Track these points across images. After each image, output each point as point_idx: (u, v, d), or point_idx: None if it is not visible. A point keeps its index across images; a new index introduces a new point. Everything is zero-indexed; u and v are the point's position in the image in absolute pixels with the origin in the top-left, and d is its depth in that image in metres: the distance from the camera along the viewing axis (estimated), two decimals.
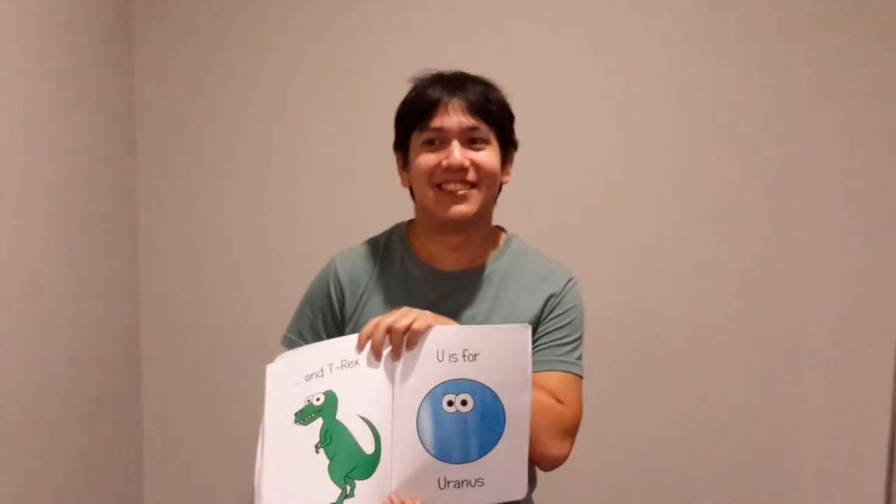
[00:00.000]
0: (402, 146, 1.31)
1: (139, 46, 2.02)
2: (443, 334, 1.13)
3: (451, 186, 1.23)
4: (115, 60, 1.95)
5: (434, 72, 1.30)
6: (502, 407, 1.13)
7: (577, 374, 1.29)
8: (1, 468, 1.51)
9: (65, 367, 1.74)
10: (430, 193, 1.25)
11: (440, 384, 1.13)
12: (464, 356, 1.13)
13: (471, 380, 1.13)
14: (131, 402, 2.05)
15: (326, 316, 1.33)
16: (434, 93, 1.24)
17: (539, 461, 1.24)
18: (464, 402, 1.13)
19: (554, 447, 1.22)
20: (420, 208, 1.32)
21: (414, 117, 1.26)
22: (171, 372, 2.08)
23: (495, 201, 1.32)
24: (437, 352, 1.13)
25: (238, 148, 2.03)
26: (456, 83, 1.26)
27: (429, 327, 1.12)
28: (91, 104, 1.84)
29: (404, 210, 1.37)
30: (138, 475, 2.09)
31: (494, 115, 1.26)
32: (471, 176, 1.23)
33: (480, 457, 1.14)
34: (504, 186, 1.33)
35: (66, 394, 1.74)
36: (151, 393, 2.09)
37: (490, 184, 1.26)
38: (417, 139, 1.26)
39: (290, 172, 2.03)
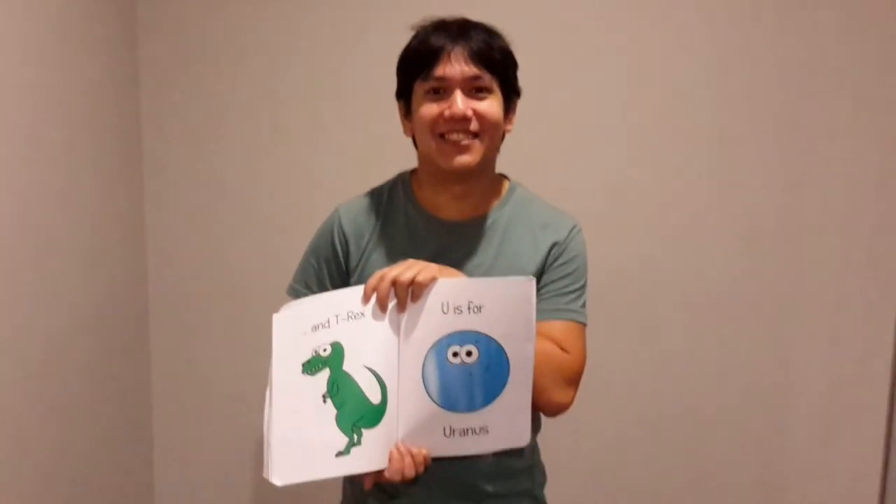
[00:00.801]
0: (404, 95, 1.30)
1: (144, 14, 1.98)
2: (447, 286, 1.14)
3: (454, 136, 1.22)
4: (119, 27, 1.91)
5: (436, 19, 1.27)
6: (506, 358, 1.15)
7: (580, 322, 1.30)
8: (8, 429, 1.53)
9: (72, 334, 1.74)
10: (433, 143, 1.24)
11: (445, 336, 1.14)
12: (469, 308, 1.13)
13: (475, 331, 1.14)
14: (139, 358, 2.06)
15: (331, 266, 1.34)
16: (437, 41, 1.22)
17: (544, 408, 1.27)
18: (469, 353, 1.14)
19: (558, 394, 1.25)
20: (423, 157, 1.31)
21: (416, 66, 1.24)
22: (179, 323, 2.09)
23: (498, 150, 1.32)
24: (442, 304, 1.14)
25: (241, 102, 1.99)
26: (459, 31, 1.23)
27: (433, 279, 1.13)
28: (95, 74, 1.81)
29: (408, 160, 1.37)
30: (147, 428, 2.12)
31: (497, 64, 1.24)
32: (473, 126, 1.22)
33: (484, 406, 1.16)
34: (508, 135, 1.32)
35: (73, 358, 1.75)
36: (159, 345, 2.10)
37: (493, 133, 1.25)
38: (420, 88, 1.25)
39: (292, 121, 1.99)
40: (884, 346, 1.94)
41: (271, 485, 1.11)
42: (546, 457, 1.44)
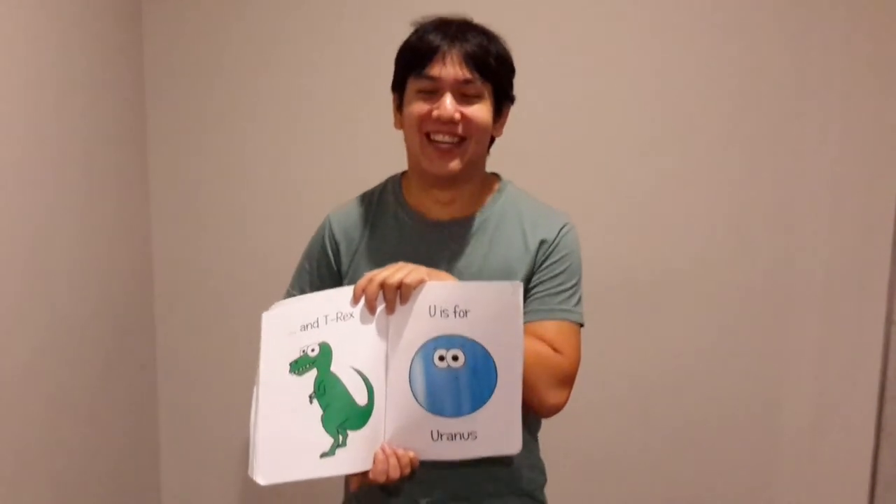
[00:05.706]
0: (398, 88, 1.29)
1: None
2: (435, 290, 1.13)
3: (439, 137, 1.22)
4: (125, 31, 1.92)
5: (438, 17, 1.26)
6: (494, 363, 1.13)
7: (574, 321, 1.28)
8: (12, 415, 1.53)
9: (76, 317, 1.74)
10: (418, 140, 1.24)
11: (432, 339, 1.13)
12: (455, 312, 1.12)
13: (462, 335, 1.13)
14: (145, 352, 2.06)
15: (323, 270, 1.34)
16: (434, 40, 1.21)
17: (537, 409, 1.24)
18: (455, 358, 1.13)
19: (551, 396, 1.23)
20: (411, 156, 1.30)
21: (412, 63, 1.23)
22: (184, 322, 2.09)
23: (486, 154, 1.30)
24: (430, 307, 1.12)
25: (248, 91, 1.99)
26: (457, 32, 1.22)
27: (421, 282, 1.12)
28: (99, 46, 1.81)
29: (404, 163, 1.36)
30: (153, 428, 2.12)
31: (491, 69, 1.22)
32: (460, 130, 1.21)
33: (472, 411, 1.14)
34: (503, 136, 1.31)
35: (77, 344, 1.75)
36: (164, 340, 2.10)
37: (479, 138, 1.24)
38: (413, 85, 1.24)
39: (297, 124, 1.98)
40: (874, 347, 1.93)
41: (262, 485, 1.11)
42: (546, 456, 1.41)
